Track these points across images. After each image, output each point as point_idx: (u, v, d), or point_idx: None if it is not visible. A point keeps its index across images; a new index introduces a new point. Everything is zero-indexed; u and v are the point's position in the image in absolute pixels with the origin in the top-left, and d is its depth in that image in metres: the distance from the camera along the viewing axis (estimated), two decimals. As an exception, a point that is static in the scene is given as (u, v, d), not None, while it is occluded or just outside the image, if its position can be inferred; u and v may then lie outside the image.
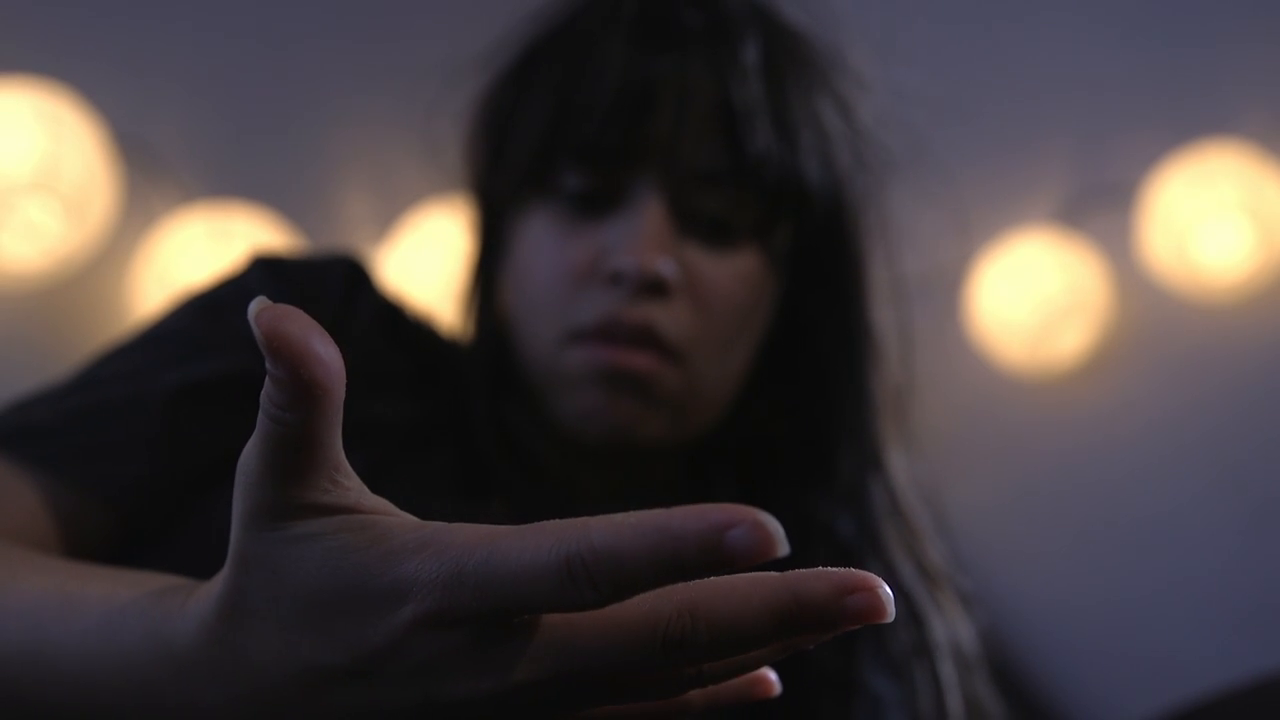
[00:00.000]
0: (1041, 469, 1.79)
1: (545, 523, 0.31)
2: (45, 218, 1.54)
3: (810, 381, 0.72)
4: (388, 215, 1.84)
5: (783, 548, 0.29)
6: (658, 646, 0.31)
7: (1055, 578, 1.74)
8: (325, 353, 0.31)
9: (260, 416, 0.32)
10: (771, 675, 0.38)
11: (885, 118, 0.74)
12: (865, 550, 0.69)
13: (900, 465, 0.72)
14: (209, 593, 0.35)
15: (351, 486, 0.34)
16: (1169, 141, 1.68)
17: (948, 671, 0.69)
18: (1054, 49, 1.83)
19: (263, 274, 0.68)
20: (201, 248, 1.63)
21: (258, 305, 0.31)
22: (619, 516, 0.30)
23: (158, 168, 1.69)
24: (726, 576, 0.31)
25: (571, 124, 0.67)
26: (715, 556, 0.29)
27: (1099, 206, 1.76)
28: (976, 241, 1.81)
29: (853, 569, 0.30)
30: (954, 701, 0.69)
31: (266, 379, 0.31)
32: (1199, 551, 1.67)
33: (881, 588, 0.30)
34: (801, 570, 0.31)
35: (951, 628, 0.70)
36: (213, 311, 0.66)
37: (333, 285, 0.69)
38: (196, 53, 1.78)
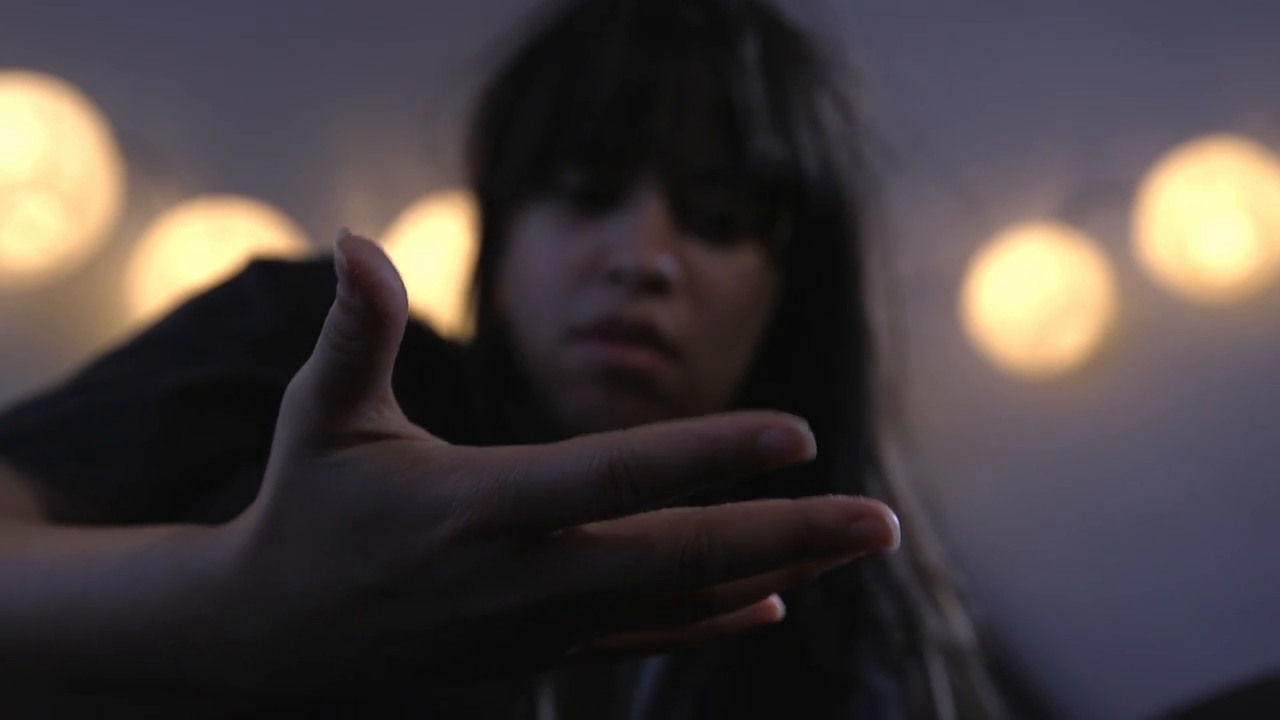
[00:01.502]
0: (1041, 467, 1.79)
1: (583, 436, 0.32)
2: (45, 215, 1.54)
3: (808, 379, 0.72)
4: (388, 214, 1.85)
5: (811, 449, 0.30)
6: (676, 564, 0.32)
7: (1055, 575, 1.74)
8: (397, 285, 0.33)
9: (321, 344, 0.33)
10: (776, 601, 0.39)
11: (885, 116, 0.74)
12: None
13: (897, 463, 0.72)
14: (244, 524, 0.36)
15: (394, 416, 0.35)
16: (1169, 141, 1.68)
17: (946, 670, 0.69)
18: (1054, 49, 1.83)
19: (259, 276, 0.68)
20: (201, 246, 1.63)
21: (342, 233, 0.33)
22: (655, 425, 0.31)
23: (158, 166, 1.69)
24: (743, 503, 0.33)
25: (571, 122, 0.67)
26: (750, 457, 0.30)
27: (1099, 205, 1.76)
28: (977, 240, 1.81)
29: (860, 498, 0.32)
30: (952, 700, 0.69)
31: (335, 306, 0.33)
32: (1199, 549, 1.67)
33: (888, 515, 0.31)
34: (813, 498, 0.32)
35: (949, 626, 0.70)
36: (208, 315, 0.66)
37: (330, 287, 0.68)
38: (196, 52, 1.78)
